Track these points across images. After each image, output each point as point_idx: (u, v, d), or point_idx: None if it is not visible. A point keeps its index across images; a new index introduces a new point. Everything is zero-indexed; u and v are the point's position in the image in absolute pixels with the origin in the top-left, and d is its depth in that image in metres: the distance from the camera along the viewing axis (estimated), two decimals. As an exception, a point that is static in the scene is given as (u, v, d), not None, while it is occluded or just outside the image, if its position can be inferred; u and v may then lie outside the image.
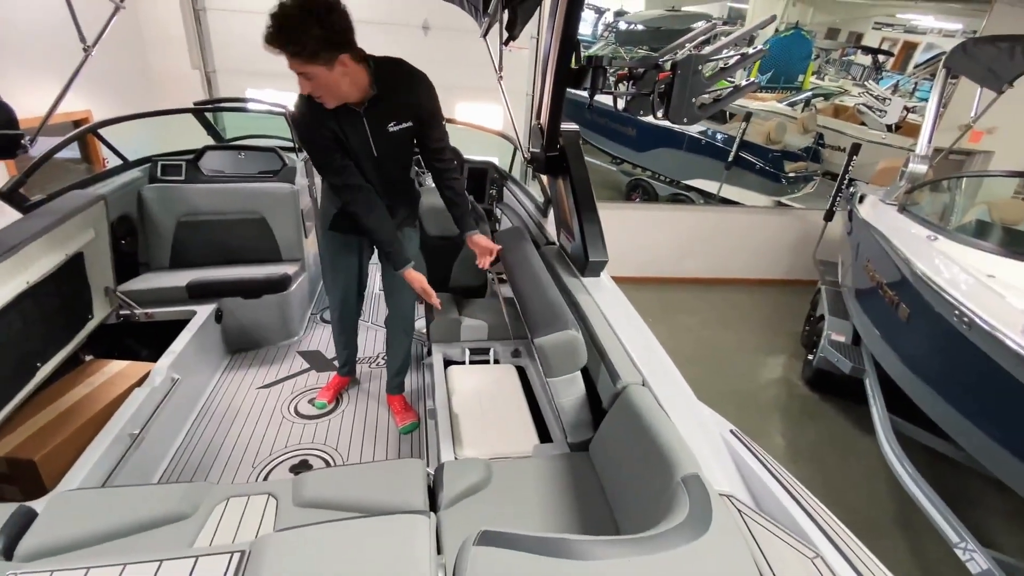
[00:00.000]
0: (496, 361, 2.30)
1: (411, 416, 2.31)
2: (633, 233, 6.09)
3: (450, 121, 4.35)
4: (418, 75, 1.77)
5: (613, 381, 1.45)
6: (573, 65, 1.80)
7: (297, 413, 2.35)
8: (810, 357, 3.88)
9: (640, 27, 8.56)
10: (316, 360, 2.76)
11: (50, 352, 1.97)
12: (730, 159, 6.44)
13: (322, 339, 2.97)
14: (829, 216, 4.87)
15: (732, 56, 1.89)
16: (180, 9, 5.78)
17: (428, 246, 2.48)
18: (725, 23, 6.88)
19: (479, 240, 2.00)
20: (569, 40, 1.71)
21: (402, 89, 1.73)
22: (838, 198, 4.72)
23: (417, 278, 1.92)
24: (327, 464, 2.09)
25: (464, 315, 2.40)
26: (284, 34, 1.37)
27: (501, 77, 2.59)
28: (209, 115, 3.86)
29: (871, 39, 7.07)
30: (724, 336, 4.94)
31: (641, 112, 1.84)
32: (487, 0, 2.55)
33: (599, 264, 1.96)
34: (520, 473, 1.52)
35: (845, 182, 4.61)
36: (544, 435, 1.86)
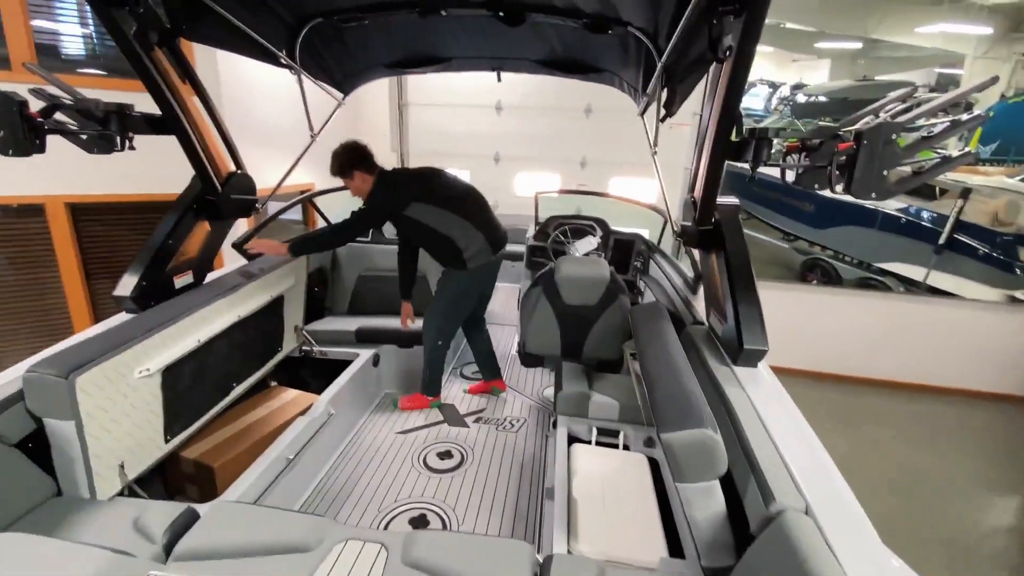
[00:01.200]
0: (626, 447, 2.11)
1: (407, 403, 2.89)
2: (808, 319, 5.35)
3: (601, 195, 4.46)
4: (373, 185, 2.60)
5: (765, 502, 1.19)
6: (733, 138, 1.69)
7: (425, 464, 2.41)
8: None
9: (822, 99, 7.98)
10: (450, 414, 2.86)
11: (244, 375, 2.36)
12: (942, 242, 5.40)
13: (458, 394, 3.08)
14: (1099, 320, 3.68)
15: (941, 123, 1.59)
16: (388, 105, 7.08)
17: (562, 314, 2.46)
18: (932, 90, 6.03)
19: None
20: (729, 113, 1.62)
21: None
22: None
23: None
24: (443, 522, 2.08)
25: (595, 390, 2.27)
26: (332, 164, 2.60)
27: (655, 152, 2.56)
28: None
29: None
30: (929, 460, 3.90)
31: (816, 186, 1.63)
32: (646, 82, 2.60)
33: (756, 353, 1.70)
34: (640, 588, 1.31)
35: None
36: (674, 547, 1.60)
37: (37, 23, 4.01)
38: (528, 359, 2.65)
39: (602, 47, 2.54)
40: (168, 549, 1.34)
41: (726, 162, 1.81)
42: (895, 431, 4.38)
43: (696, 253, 2.47)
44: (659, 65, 2.20)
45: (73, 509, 1.50)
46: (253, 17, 2.15)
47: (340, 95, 3.11)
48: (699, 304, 2.36)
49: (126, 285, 1.99)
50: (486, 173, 7.17)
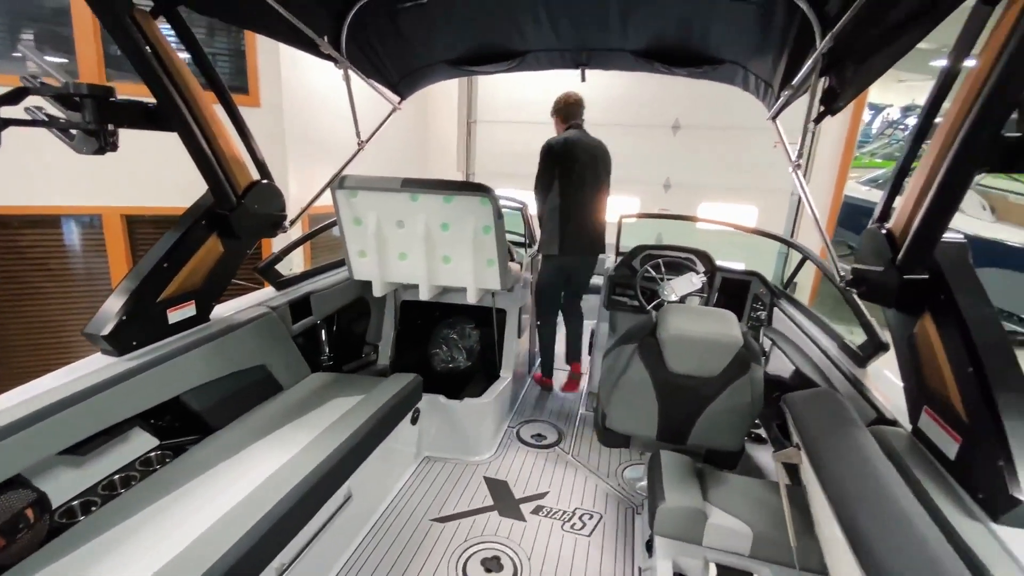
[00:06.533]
0: None
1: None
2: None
3: (691, 218, 3.74)
4: None
5: None
6: (1011, 131, 0.99)
7: (465, 576, 1.79)
8: None
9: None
10: (502, 496, 2.23)
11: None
12: None
13: (514, 466, 2.45)
14: None
15: None
16: (457, 122, 6.76)
17: (666, 386, 1.79)
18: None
19: None
20: (1001, 95, 0.94)
21: None
22: None
23: None
24: None
25: (712, 502, 1.56)
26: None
27: (799, 165, 1.86)
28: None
29: None
30: None
31: None
32: (791, 71, 1.92)
33: None
34: None
35: None
36: None
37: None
38: (609, 437, 1.99)
39: (729, 25, 1.91)
40: None
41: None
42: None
43: (886, 315, 1.72)
44: (823, 41, 1.53)
45: None
46: None
47: (396, 99, 2.67)
48: (874, 385, 1.61)
49: (101, 321, 1.56)
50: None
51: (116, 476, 1.63)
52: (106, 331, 1.54)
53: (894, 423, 1.40)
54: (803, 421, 1.30)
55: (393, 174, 2.22)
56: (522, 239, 3.62)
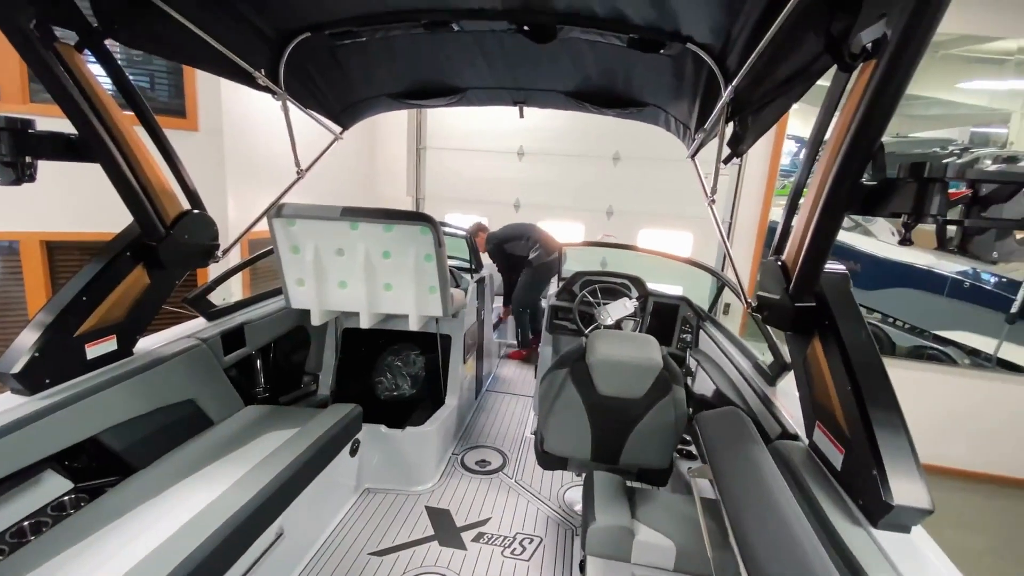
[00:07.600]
0: None
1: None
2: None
3: (630, 247, 3.95)
4: None
5: None
6: (867, 179, 1.15)
7: (403, 610, 1.78)
8: None
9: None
10: (443, 525, 2.23)
11: None
12: (1015, 309, 4.94)
13: (456, 493, 2.45)
14: None
15: None
16: (406, 148, 6.81)
17: (595, 408, 1.87)
18: (965, 149, 5.63)
19: None
20: (864, 144, 1.10)
21: None
22: None
23: None
24: None
25: (640, 519, 1.64)
26: None
27: (713, 201, 2.03)
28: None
29: None
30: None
31: (996, 256, 1.07)
32: (703, 116, 2.12)
33: (911, 513, 1.09)
34: None
35: None
36: None
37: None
38: (547, 460, 2.04)
39: (648, 73, 2.08)
40: None
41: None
42: (986, 537, 3.56)
43: (782, 337, 1.88)
44: (726, 91, 1.71)
45: None
46: (219, 26, 1.74)
47: (338, 129, 2.70)
48: (782, 402, 1.76)
49: (11, 358, 1.48)
50: (505, 220, 6.74)
51: (26, 522, 1.53)
52: (16, 369, 1.46)
53: (795, 437, 1.53)
54: (710, 439, 1.40)
55: (341, 199, 2.23)
56: (467, 264, 3.68)
